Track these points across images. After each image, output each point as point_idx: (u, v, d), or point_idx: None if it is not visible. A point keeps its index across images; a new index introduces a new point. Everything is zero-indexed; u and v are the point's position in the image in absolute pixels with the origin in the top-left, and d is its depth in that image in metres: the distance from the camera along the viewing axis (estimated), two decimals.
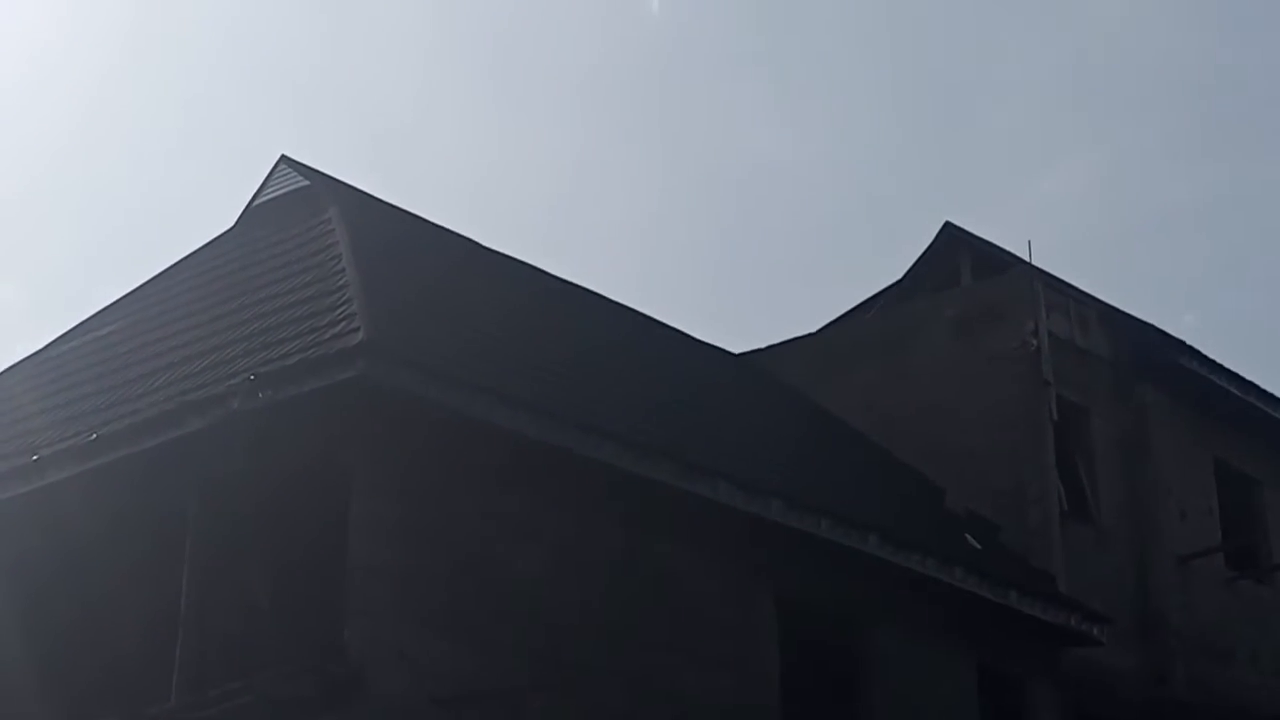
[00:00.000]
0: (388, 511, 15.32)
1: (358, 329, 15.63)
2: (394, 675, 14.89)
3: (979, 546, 21.21)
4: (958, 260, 25.88)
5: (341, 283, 17.33)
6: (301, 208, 20.70)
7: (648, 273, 51.59)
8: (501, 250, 22.68)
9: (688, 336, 24.52)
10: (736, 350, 25.84)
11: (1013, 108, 53.15)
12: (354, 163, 53.01)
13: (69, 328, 21.26)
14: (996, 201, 50.89)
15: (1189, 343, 25.14)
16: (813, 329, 26.43)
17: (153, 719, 15.51)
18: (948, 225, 26.03)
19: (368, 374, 15.04)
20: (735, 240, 52.79)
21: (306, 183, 21.36)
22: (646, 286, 53.79)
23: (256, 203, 21.74)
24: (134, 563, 16.57)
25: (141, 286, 21.40)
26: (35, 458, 17.02)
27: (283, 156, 21.87)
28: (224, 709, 15.09)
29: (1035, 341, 23.41)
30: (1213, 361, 25.21)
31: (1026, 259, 24.33)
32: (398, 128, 51.50)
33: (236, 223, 21.80)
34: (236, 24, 49.99)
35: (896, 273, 26.48)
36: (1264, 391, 25.87)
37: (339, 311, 16.48)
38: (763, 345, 26.15)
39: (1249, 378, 25.72)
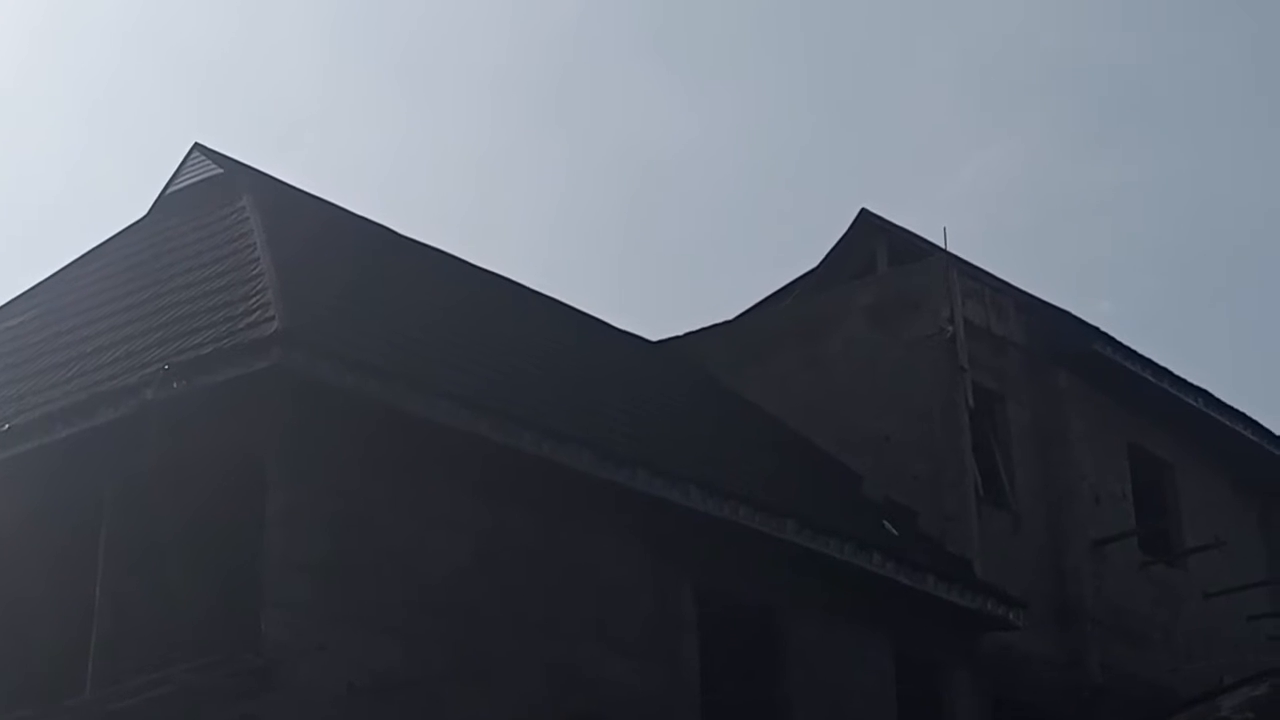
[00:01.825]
0: (305, 501, 15.25)
1: (273, 318, 15.55)
2: (312, 665, 14.82)
3: (896, 533, 21.30)
4: (874, 248, 25.94)
5: (256, 271, 17.22)
6: (215, 196, 20.56)
7: (562, 260, 51.58)
8: (417, 238, 22.60)
9: (605, 324, 24.50)
10: (654, 338, 25.84)
11: (927, 98, 53.38)
12: (264, 151, 52.68)
13: None
14: (912, 190, 51.14)
15: (1103, 329, 25.35)
16: (729, 316, 26.46)
17: (68, 711, 15.37)
18: (864, 213, 26.09)
19: (283, 363, 14.96)
20: (650, 228, 52.85)
21: (220, 170, 21.21)
22: (561, 274, 53.78)
23: (169, 191, 21.56)
24: (49, 554, 16.41)
25: (53, 276, 21.19)
26: None
27: (196, 144, 21.70)
28: (140, 700, 14.97)
29: (951, 328, 23.50)
30: (1127, 348, 25.39)
31: (942, 246, 24.43)
32: (307, 116, 51.28)
33: (149, 211, 21.62)
34: (146, 11, 49.62)
35: (813, 260, 26.55)
36: (1177, 377, 26.06)
37: (254, 300, 16.38)
38: (679, 333, 26.15)
39: (1163, 363, 25.93)
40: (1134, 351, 25.49)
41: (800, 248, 55.74)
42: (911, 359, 23.68)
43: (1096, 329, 25.30)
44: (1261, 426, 27.43)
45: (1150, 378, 25.66)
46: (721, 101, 53.25)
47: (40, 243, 47.68)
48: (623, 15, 53.53)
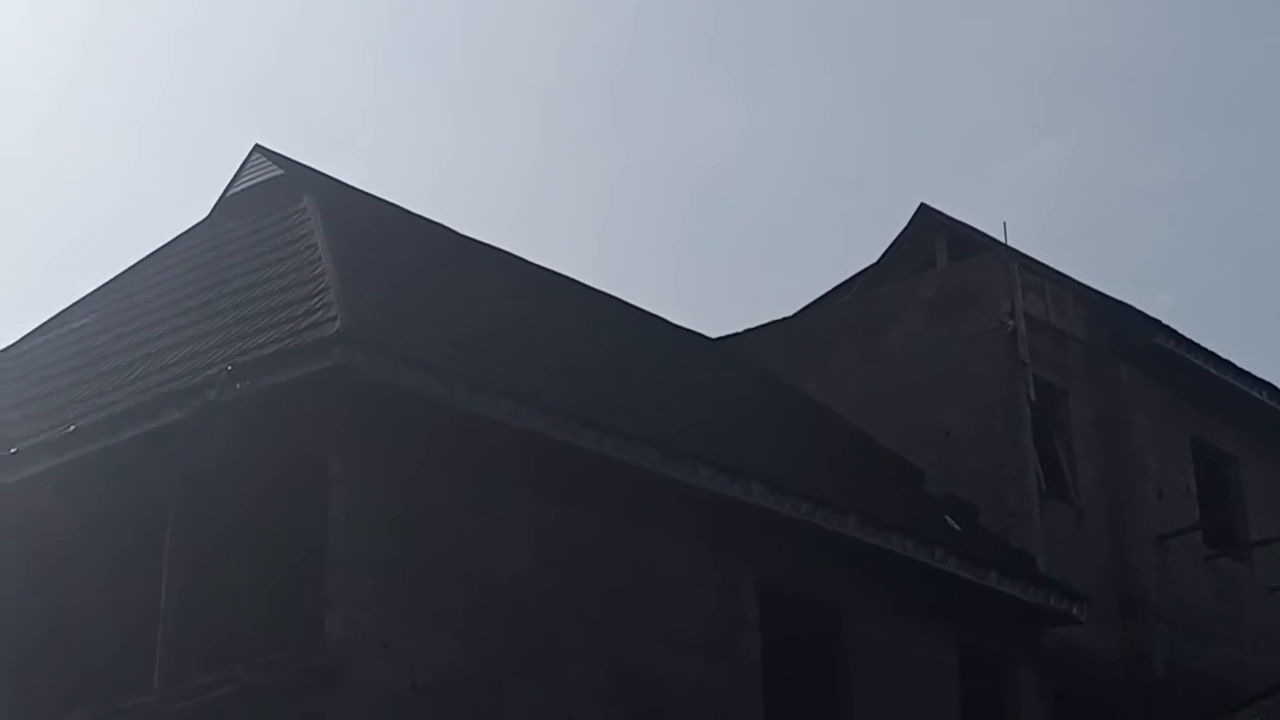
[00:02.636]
0: (367, 501, 15.30)
1: (335, 318, 15.60)
2: (375, 664, 14.88)
3: (958, 527, 21.24)
4: (933, 242, 25.88)
5: (318, 271, 17.28)
6: (276, 197, 20.63)
7: (620, 259, 51.61)
8: (477, 238, 22.63)
9: (665, 321, 24.50)
10: (713, 335, 25.84)
11: (986, 90, 53.23)
12: (321, 154, 52.93)
13: (44, 320, 21.18)
14: (972, 183, 50.97)
15: (1165, 322, 25.22)
16: (789, 313, 26.44)
17: (132, 711, 15.48)
18: (923, 207, 26.04)
19: (345, 363, 15.02)
20: (709, 226, 52.81)
21: (280, 172, 21.27)
22: (620, 273, 53.83)
23: (231, 192, 21.65)
24: (113, 555, 16.52)
25: (117, 278, 21.31)
26: (13, 450, 16.96)
27: (256, 146, 21.78)
28: (204, 699, 15.07)
29: (1012, 322, 23.43)
30: (1189, 340, 25.25)
31: (1002, 240, 24.36)
32: (363, 119, 51.43)
33: (211, 213, 21.71)
34: (203, 15, 49.87)
35: (872, 255, 26.52)
36: (1240, 369, 25.92)
37: (315, 301, 16.44)
38: (739, 329, 26.16)
39: (1226, 356, 25.78)
40: (1196, 344, 25.35)
41: (859, 244, 55.67)
42: (972, 353, 23.62)
43: (1158, 322, 25.19)
44: None
45: (1213, 370, 25.53)
46: (777, 100, 53.25)
47: (104, 245, 48.02)
48: (677, 17, 53.52)
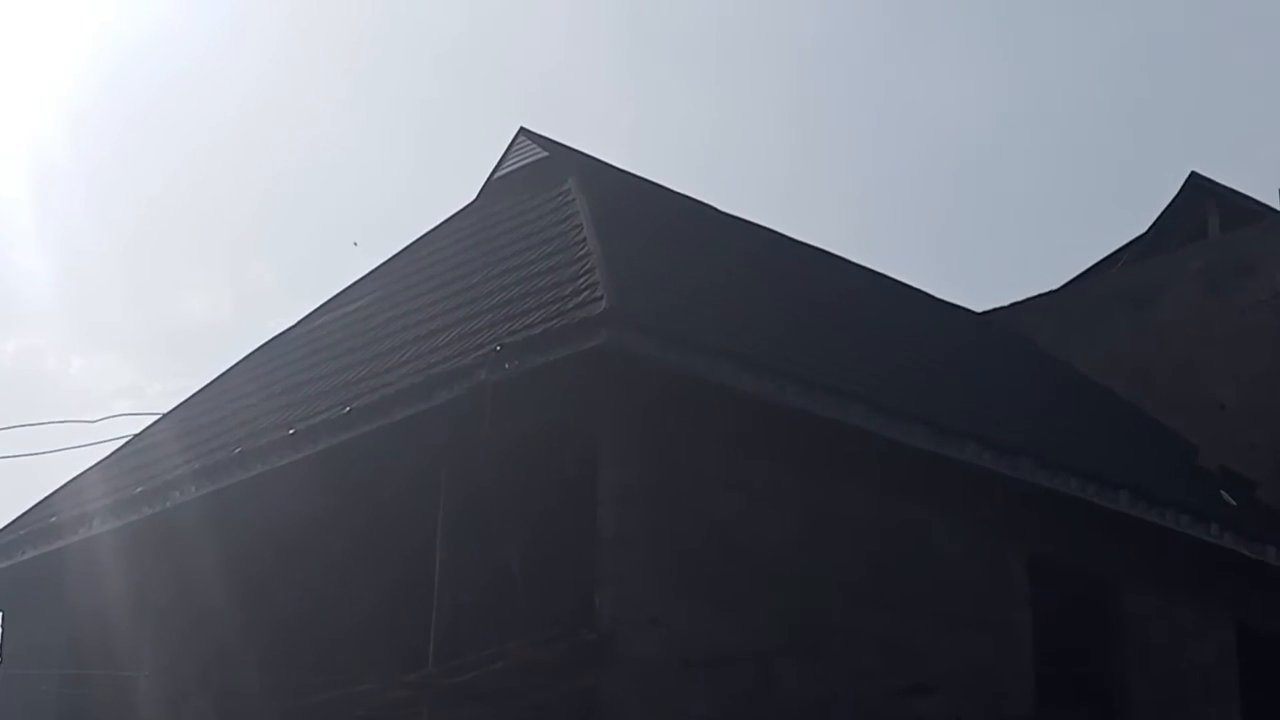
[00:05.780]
0: (635, 478, 15.43)
1: (601, 298, 15.73)
2: (645, 639, 15.01)
3: (1234, 503, 20.83)
4: (1205, 211, 25.37)
5: (583, 252, 17.44)
6: (541, 179, 20.88)
7: (885, 234, 51.25)
8: (738, 215, 22.66)
9: (929, 296, 24.33)
10: (979, 309, 25.61)
11: (1257, 52, 51.87)
12: (583, 133, 53.35)
13: (319, 304, 21.69)
14: (1245, 150, 49.72)
15: None
16: (1057, 285, 26.11)
17: (411, 684, 15.80)
18: (1193, 175, 25.53)
19: (612, 342, 15.14)
20: (975, 197, 52.26)
21: (545, 154, 21.53)
22: (885, 249, 53.48)
23: (497, 175, 21.97)
24: (387, 532, 16.87)
25: (388, 261, 21.75)
26: (291, 431, 17.39)
27: (521, 129, 22.05)
28: (479, 674, 15.33)
29: None
30: None
31: (1277, 209, 23.80)
32: (624, 97, 51.81)
33: (478, 195, 22.05)
34: (472, 11, 50.63)
35: (1141, 225, 26.07)
36: None
37: (582, 281, 16.59)
38: (1005, 303, 25.89)
39: None
40: None
41: (1128, 214, 54.61)
42: (1246, 324, 23.15)
43: None
44: None
45: None
46: (1045, 67, 52.52)
47: (378, 229, 48.97)
48: None
